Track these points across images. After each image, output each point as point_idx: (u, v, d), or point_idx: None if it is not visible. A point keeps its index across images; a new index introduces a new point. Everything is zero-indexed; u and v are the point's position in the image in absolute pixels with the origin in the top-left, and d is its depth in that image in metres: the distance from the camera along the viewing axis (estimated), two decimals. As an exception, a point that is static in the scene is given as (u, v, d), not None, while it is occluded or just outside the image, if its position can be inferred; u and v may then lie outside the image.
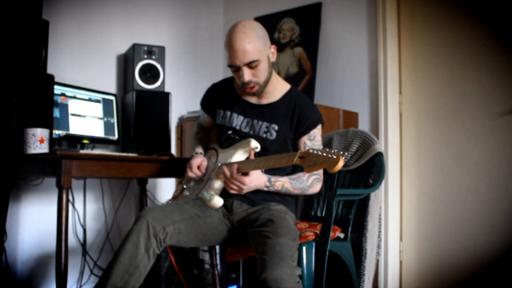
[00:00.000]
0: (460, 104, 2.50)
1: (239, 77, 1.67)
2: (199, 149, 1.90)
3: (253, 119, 1.78)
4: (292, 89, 1.82)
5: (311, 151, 1.39)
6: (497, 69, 2.39)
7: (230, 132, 1.81)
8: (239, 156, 1.73)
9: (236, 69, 1.65)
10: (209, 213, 1.74)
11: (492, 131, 2.39)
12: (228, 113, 1.83)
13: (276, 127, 1.75)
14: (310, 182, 1.74)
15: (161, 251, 1.59)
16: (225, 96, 1.85)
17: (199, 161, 1.81)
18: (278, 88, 1.79)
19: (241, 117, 1.80)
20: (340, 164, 1.30)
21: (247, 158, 1.72)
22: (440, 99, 2.56)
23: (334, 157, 1.31)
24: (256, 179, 1.63)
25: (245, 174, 1.63)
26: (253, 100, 1.81)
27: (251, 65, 1.63)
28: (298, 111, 1.74)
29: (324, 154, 1.34)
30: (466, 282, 2.42)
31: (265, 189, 1.68)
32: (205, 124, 2.03)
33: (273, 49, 1.71)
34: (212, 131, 2.03)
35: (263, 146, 1.74)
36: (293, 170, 1.81)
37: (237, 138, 1.80)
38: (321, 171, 1.77)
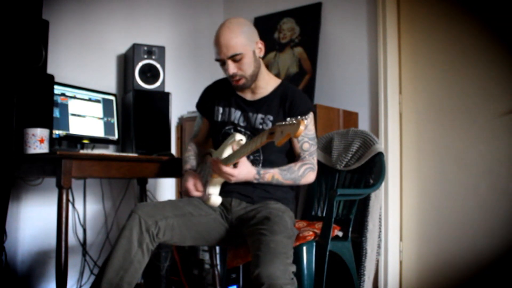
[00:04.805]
0: (460, 104, 2.49)
1: (226, 70, 1.75)
2: (188, 166, 1.89)
3: (248, 113, 1.82)
4: (283, 82, 1.89)
5: (278, 124, 1.42)
6: (497, 69, 2.39)
7: (228, 127, 1.84)
8: (229, 151, 1.73)
9: (222, 63, 1.75)
10: (204, 212, 1.75)
11: (492, 131, 2.38)
12: (227, 109, 1.87)
13: (271, 118, 1.80)
14: (302, 172, 1.77)
15: (155, 247, 1.60)
16: (222, 94, 1.90)
17: (192, 183, 1.79)
18: (270, 83, 1.86)
19: (239, 112, 1.85)
20: (302, 128, 1.32)
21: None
22: (440, 99, 2.56)
23: (295, 122, 1.35)
24: (245, 171, 1.67)
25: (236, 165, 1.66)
26: (248, 96, 1.86)
27: (234, 58, 1.72)
28: (289, 99, 1.80)
29: (288, 123, 1.37)
30: (466, 282, 2.42)
31: (255, 181, 1.72)
32: (200, 135, 2.01)
33: (260, 44, 1.79)
34: (204, 147, 2.02)
35: None
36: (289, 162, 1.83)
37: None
38: (315, 162, 1.82)
